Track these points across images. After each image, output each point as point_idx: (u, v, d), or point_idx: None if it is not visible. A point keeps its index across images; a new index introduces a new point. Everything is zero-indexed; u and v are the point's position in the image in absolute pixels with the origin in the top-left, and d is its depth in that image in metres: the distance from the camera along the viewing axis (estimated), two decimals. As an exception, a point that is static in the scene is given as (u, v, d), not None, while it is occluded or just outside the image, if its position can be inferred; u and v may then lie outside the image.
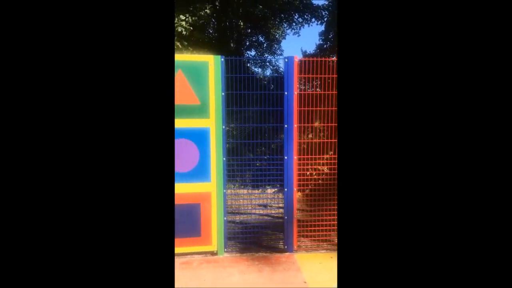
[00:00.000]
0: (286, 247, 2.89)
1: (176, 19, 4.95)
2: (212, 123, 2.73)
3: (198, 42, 5.87)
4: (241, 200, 3.77)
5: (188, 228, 2.75)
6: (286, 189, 2.88)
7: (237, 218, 3.52)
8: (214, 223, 2.79)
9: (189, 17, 5.05)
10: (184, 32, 4.95)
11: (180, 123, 2.69)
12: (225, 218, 2.83)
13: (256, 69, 10.64)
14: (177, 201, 2.73)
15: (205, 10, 5.18)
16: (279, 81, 2.89)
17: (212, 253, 2.82)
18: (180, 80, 2.66)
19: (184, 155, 2.72)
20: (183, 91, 2.67)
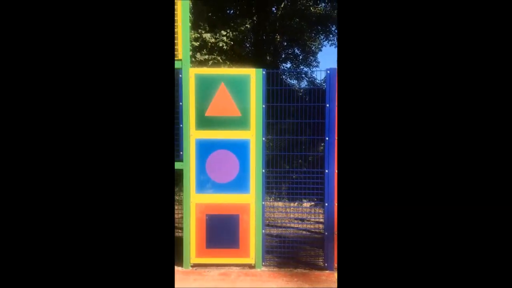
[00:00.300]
0: (326, 264, 2.77)
1: (218, 34, 5.17)
2: (252, 135, 2.75)
3: (235, 55, 6.05)
4: (277, 213, 3.72)
5: (226, 239, 2.76)
6: (326, 204, 2.78)
7: (274, 231, 3.47)
8: (253, 235, 2.77)
9: (230, 32, 5.24)
10: (225, 47, 5.14)
11: (221, 135, 2.75)
12: (263, 230, 2.80)
13: (291, 81, 10.66)
14: (216, 211, 2.76)
15: (246, 25, 5.36)
16: (315, 93, 2.86)
17: (250, 266, 2.79)
18: (222, 92, 2.74)
19: (224, 166, 2.76)
20: (225, 103, 2.73)
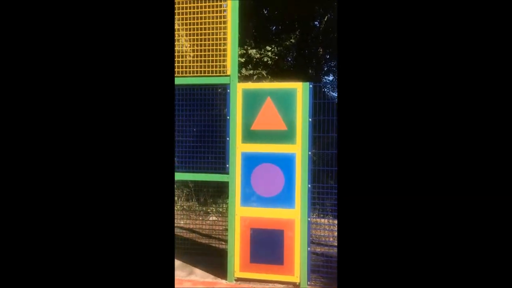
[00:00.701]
0: (377, 289, 2.57)
1: (263, 50, 5.31)
2: (298, 149, 2.72)
3: (277, 70, 6.14)
4: (322, 231, 3.57)
5: (270, 254, 2.71)
6: (377, 223, 2.61)
7: (319, 249, 3.33)
8: (298, 252, 2.68)
9: (275, 47, 5.35)
10: (269, 62, 5.24)
11: (266, 148, 2.75)
12: (309, 248, 2.71)
13: (334, 94, 10.44)
14: (261, 225, 2.74)
15: (290, 40, 5.44)
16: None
17: (295, 285, 2.69)
18: (269, 106, 2.76)
19: (269, 179, 2.74)
20: (271, 117, 2.75)
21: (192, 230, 4.15)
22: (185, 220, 4.42)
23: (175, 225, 4.25)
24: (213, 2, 2.77)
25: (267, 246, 2.71)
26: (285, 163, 2.74)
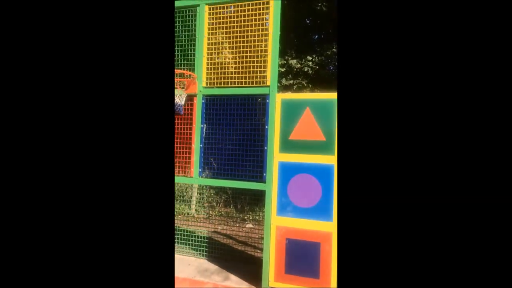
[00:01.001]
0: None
1: (303, 59, 5.32)
2: (336, 160, 2.66)
3: (318, 79, 6.08)
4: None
5: (306, 267, 2.66)
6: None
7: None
8: (335, 267, 2.60)
9: (316, 57, 5.33)
10: (310, 72, 5.23)
11: (304, 158, 2.74)
12: (346, 264, 2.61)
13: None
14: (297, 236, 2.71)
15: (332, 49, 5.38)
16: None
17: (330, 301, 2.60)
18: (307, 117, 2.75)
19: (306, 190, 2.72)
20: (309, 128, 2.74)
21: (229, 236, 4.23)
22: (222, 226, 4.52)
23: (213, 229, 4.38)
24: (255, 16, 2.87)
25: (302, 258, 2.67)
26: (323, 174, 2.69)
